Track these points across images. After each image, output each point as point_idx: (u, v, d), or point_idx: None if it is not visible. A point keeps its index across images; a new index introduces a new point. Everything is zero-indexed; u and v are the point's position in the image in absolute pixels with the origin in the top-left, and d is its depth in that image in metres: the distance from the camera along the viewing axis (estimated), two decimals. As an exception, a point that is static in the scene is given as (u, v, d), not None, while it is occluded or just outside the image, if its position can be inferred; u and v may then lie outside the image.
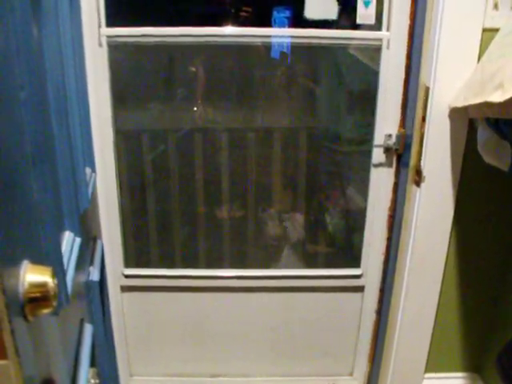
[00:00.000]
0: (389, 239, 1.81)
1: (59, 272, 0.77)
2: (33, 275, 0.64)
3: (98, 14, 1.57)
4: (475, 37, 1.41)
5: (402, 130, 1.66)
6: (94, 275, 1.29)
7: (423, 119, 1.51)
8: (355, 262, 1.90)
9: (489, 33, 1.40)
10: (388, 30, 1.61)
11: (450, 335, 1.77)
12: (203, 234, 1.97)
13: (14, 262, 0.62)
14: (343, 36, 1.66)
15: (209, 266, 1.97)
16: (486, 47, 1.38)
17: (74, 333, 1.03)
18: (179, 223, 1.94)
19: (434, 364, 1.80)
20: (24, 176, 0.68)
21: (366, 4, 1.60)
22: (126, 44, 1.65)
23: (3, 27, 0.61)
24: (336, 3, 1.62)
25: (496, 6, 1.39)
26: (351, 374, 2.09)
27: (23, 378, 0.60)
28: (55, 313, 0.76)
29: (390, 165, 1.74)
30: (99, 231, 1.72)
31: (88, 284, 1.25)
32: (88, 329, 1.13)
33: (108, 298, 1.75)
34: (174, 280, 1.90)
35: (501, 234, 1.64)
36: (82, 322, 1.12)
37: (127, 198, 1.84)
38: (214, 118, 1.86)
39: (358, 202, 1.92)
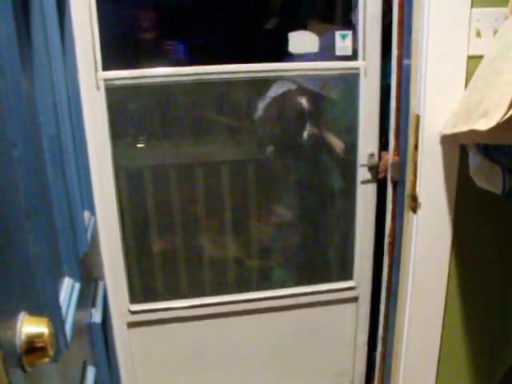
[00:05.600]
0: (390, 266, 1.82)
1: (57, 320, 0.79)
2: (30, 326, 0.66)
3: (95, 59, 1.62)
4: (461, 64, 1.44)
5: (397, 158, 1.68)
6: (97, 317, 1.30)
7: (416, 147, 1.53)
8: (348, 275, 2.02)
9: (474, 60, 1.42)
10: (364, 59, 1.76)
11: (457, 361, 1.75)
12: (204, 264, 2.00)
13: (11, 315, 0.64)
14: (322, 67, 1.80)
15: (213, 293, 1.98)
16: (472, 74, 1.41)
17: (76, 376, 1.04)
18: (181, 254, 1.97)
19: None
20: (19, 229, 0.70)
21: (343, 37, 1.76)
22: (123, 86, 1.70)
23: (-6, 91, 0.64)
24: (316, 38, 1.78)
25: (479, 34, 1.42)
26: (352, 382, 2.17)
27: (22, 429, 0.62)
28: (54, 360, 0.78)
29: (374, 180, 1.90)
30: (101, 272, 1.73)
31: (90, 326, 1.27)
32: (91, 371, 1.14)
33: (113, 339, 1.76)
34: (181, 311, 1.92)
35: (500, 254, 1.64)
36: (84, 364, 1.13)
37: (128, 235, 1.86)
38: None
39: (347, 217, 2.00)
